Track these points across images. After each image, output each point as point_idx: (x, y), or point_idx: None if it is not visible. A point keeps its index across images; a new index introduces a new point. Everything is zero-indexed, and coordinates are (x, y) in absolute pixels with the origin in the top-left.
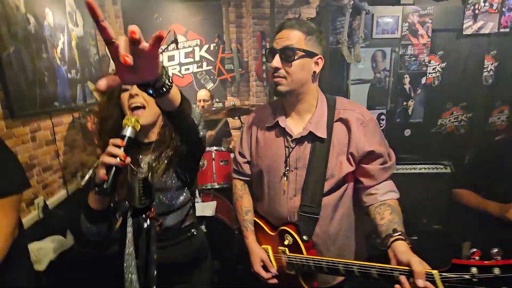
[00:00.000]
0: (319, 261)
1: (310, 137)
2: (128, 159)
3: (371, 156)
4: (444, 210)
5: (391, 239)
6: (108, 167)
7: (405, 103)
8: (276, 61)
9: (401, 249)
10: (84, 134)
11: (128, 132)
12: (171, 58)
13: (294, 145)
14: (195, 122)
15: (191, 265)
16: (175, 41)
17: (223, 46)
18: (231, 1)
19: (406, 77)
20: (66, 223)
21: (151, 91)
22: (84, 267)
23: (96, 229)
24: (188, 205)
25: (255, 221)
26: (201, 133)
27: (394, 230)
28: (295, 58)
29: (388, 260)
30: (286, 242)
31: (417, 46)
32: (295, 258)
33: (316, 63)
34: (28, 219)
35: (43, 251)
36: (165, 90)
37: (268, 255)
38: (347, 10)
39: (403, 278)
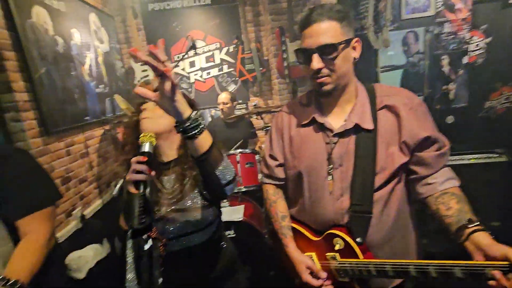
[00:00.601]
0: (381, 264)
1: (354, 129)
2: (153, 173)
3: (426, 142)
4: (502, 204)
5: (468, 231)
6: (137, 184)
7: (444, 87)
8: (317, 62)
9: (487, 241)
10: (115, 145)
11: (146, 147)
12: (192, 64)
13: (336, 140)
14: (223, 175)
15: (225, 278)
16: (194, 47)
17: (242, 47)
18: (247, 1)
19: (444, 58)
20: (103, 231)
21: (180, 129)
22: (120, 275)
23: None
24: (216, 222)
25: (293, 227)
26: (225, 189)
27: (470, 221)
28: (338, 53)
29: (469, 255)
30: (336, 247)
31: (455, 22)
32: (349, 264)
33: (354, 48)
34: (67, 230)
35: (83, 259)
36: (193, 133)
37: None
38: None
39: (498, 274)
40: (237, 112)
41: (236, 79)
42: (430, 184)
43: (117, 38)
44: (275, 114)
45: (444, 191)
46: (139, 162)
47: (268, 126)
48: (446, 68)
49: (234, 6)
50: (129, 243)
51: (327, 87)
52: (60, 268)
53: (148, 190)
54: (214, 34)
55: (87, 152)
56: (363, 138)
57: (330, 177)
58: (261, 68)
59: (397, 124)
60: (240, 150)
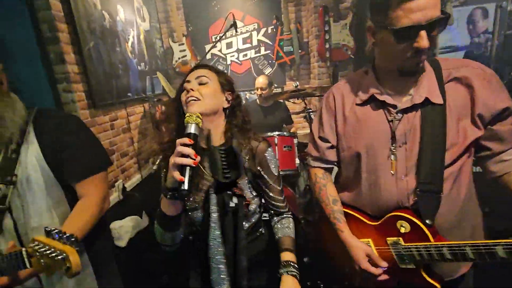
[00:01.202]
0: (458, 246)
1: (420, 104)
2: (199, 158)
3: (503, 114)
4: None
5: None
6: (181, 168)
7: None
8: (426, 39)
9: None
10: (154, 123)
11: (192, 129)
12: (229, 45)
13: (400, 117)
14: None
15: (261, 265)
16: (234, 25)
17: (282, 28)
18: None
19: None
20: (142, 204)
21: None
22: (158, 247)
23: (171, 236)
24: (258, 211)
25: (346, 212)
26: None
27: None
28: (443, 28)
29: None
30: (402, 230)
31: None
32: (416, 248)
33: None
34: (110, 200)
35: (124, 228)
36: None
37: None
38: None
39: None
40: (277, 94)
41: (273, 62)
42: (505, 161)
43: (157, 17)
44: (325, 94)
45: None
46: (185, 145)
47: (309, 109)
48: None
49: None
50: (213, 198)
51: (421, 65)
52: (108, 232)
53: (193, 177)
54: (253, 14)
55: (129, 128)
56: (431, 113)
57: (392, 157)
58: (300, 51)
59: (470, 96)
60: (278, 132)
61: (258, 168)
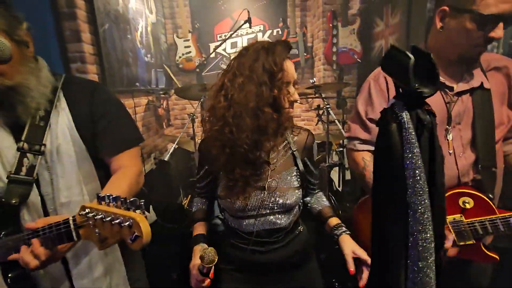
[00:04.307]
0: None
1: (471, 89)
2: (211, 277)
3: None
4: None
5: None
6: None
7: None
8: (501, 30)
9: None
10: (156, 118)
11: (207, 270)
12: (233, 45)
13: (456, 99)
14: None
15: (298, 265)
16: (249, 21)
17: (288, 30)
18: None
19: None
20: (146, 198)
21: None
22: (166, 241)
23: None
24: (299, 204)
25: None
26: None
27: None
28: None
29: None
30: (467, 206)
31: None
32: (481, 223)
33: None
34: None
35: None
36: None
37: None
38: None
39: None
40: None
41: None
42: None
43: (163, 11)
44: (371, 77)
45: None
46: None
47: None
48: None
49: None
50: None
51: (481, 55)
52: None
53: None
54: (259, 15)
55: (135, 119)
56: (481, 96)
57: (448, 137)
58: (305, 54)
59: (507, 83)
60: None
61: (305, 160)
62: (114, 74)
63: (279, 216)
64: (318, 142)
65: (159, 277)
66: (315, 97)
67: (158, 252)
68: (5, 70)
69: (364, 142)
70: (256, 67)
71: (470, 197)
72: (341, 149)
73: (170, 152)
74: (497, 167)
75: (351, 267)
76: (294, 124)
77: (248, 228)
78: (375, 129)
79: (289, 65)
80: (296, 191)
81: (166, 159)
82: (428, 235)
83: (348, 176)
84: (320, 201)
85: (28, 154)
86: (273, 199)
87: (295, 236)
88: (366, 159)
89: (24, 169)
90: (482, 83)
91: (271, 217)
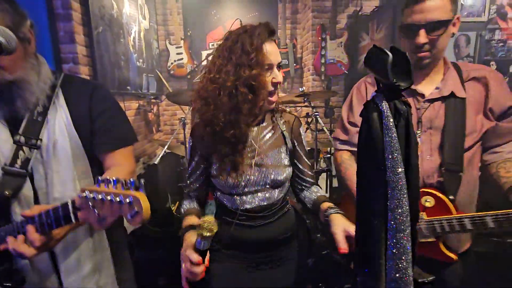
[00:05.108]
0: (480, 217)
1: (444, 96)
2: (206, 265)
3: (507, 112)
4: None
5: None
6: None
7: None
8: (423, 37)
9: None
10: (146, 123)
11: (204, 245)
12: None
13: (427, 106)
14: None
15: (284, 243)
16: None
17: (278, 41)
18: None
19: (492, 65)
20: None
21: None
22: (153, 246)
23: None
24: (289, 180)
25: None
26: None
27: None
28: (444, 30)
29: None
30: (427, 205)
31: (506, 31)
32: (438, 221)
33: (454, 24)
34: None
35: None
36: None
37: None
38: None
39: None
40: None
41: None
42: (497, 152)
43: (156, 18)
44: (356, 84)
45: (509, 159)
46: (193, 263)
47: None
48: None
49: (273, 0)
50: (384, 105)
51: (426, 61)
52: (122, 219)
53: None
54: None
55: None
56: (453, 104)
57: (418, 139)
58: (295, 64)
59: (485, 93)
60: None
61: (294, 141)
62: (106, 77)
63: (271, 191)
64: (307, 149)
65: (146, 282)
66: (304, 106)
67: (145, 257)
68: (7, 64)
69: (343, 142)
70: (235, 49)
71: (432, 197)
72: (329, 155)
73: (161, 155)
74: (467, 173)
75: (342, 245)
76: (284, 108)
77: (242, 205)
78: (352, 131)
79: (270, 48)
80: (287, 168)
81: (156, 162)
82: (404, 209)
83: (335, 183)
84: (315, 193)
85: (24, 148)
86: (263, 175)
87: (284, 213)
88: (343, 156)
89: (19, 162)
90: (453, 92)
91: (263, 193)
